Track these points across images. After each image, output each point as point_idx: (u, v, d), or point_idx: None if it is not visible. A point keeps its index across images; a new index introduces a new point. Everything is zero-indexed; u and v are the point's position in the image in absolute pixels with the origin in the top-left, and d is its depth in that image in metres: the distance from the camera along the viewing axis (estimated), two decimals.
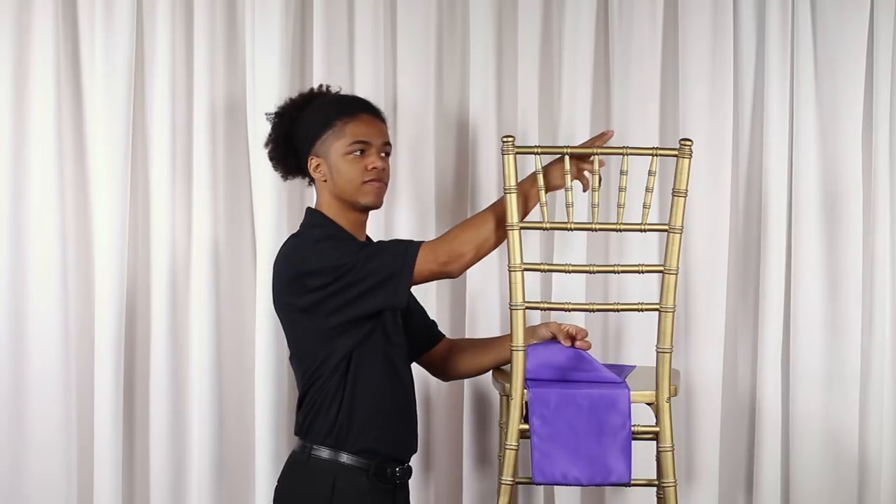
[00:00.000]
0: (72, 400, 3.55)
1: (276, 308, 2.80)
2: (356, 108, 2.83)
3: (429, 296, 3.50)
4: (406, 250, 2.66)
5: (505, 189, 2.67)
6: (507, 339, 2.95)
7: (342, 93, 2.98)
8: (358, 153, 2.77)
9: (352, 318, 2.67)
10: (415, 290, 3.46)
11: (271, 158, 2.93)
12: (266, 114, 2.98)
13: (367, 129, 2.80)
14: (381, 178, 2.80)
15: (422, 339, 3.02)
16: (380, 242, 2.74)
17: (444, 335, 3.10)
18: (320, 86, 3.00)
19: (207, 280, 3.50)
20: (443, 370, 3.07)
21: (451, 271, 2.68)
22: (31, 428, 3.52)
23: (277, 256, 2.78)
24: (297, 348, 2.75)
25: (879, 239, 3.48)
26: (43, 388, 3.52)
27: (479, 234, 2.68)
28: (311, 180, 2.88)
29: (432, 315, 3.49)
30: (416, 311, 3.02)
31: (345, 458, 2.67)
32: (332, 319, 2.66)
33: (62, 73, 3.52)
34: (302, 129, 2.83)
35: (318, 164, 2.80)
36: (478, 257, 2.71)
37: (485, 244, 2.69)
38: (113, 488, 3.48)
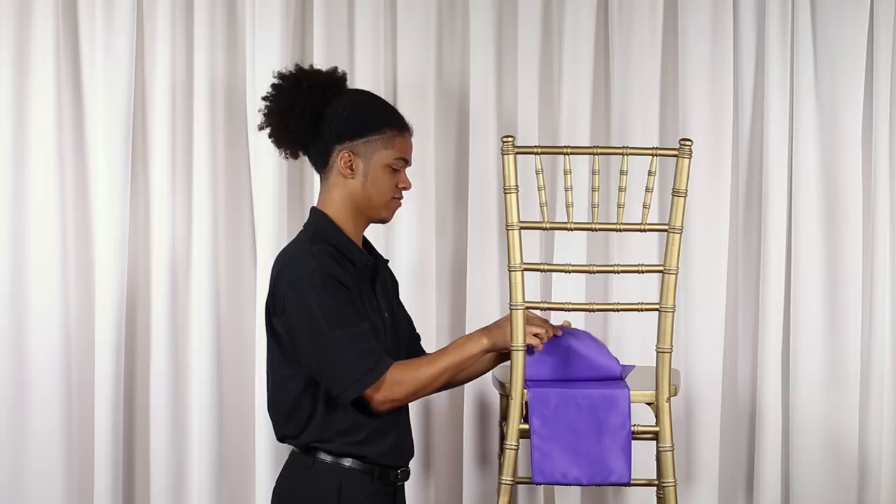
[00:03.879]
0: (72, 400, 3.55)
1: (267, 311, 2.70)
2: (404, 124, 2.74)
3: (429, 295, 3.51)
4: (378, 362, 2.58)
5: (505, 189, 2.67)
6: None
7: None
8: (395, 169, 2.70)
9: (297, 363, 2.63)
10: (414, 287, 3.48)
11: (288, 129, 2.69)
12: (285, 74, 2.73)
13: (409, 148, 2.74)
14: (402, 197, 2.75)
15: (409, 351, 2.91)
16: (362, 329, 2.60)
17: (424, 351, 2.98)
18: (344, 72, 2.80)
19: (207, 280, 3.50)
20: None
21: (375, 405, 2.61)
22: (32, 428, 3.53)
23: (278, 259, 2.68)
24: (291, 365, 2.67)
25: (879, 238, 3.48)
26: (43, 387, 3.52)
27: (424, 380, 2.62)
28: (322, 169, 2.72)
29: (432, 315, 3.50)
30: (404, 320, 2.91)
31: (349, 461, 2.64)
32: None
33: (62, 73, 3.52)
34: (342, 116, 2.67)
35: (349, 160, 2.66)
36: (409, 401, 2.67)
37: (423, 391, 2.64)
38: (113, 488, 3.49)
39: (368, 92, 2.85)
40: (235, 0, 3.55)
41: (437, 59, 3.55)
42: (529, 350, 2.69)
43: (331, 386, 2.58)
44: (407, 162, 2.72)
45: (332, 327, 2.55)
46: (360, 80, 3.48)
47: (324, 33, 3.48)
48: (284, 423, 2.67)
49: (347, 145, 2.67)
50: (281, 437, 2.71)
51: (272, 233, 3.46)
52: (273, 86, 2.73)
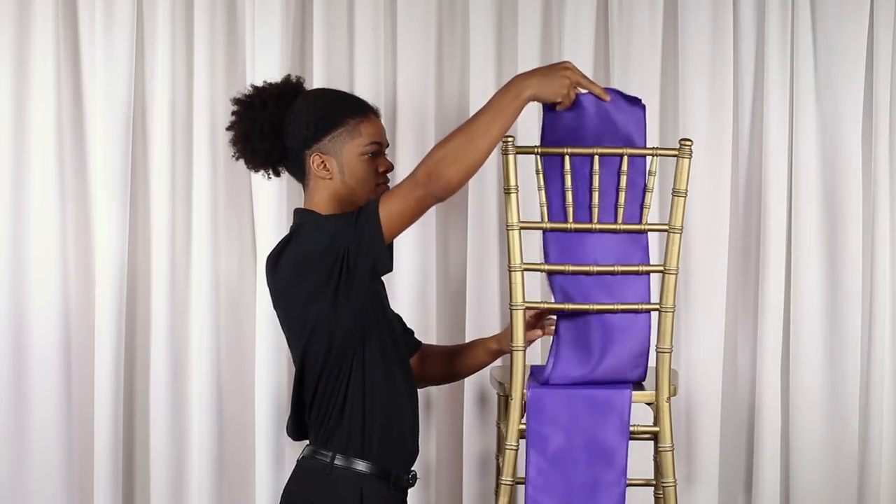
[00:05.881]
0: (72, 400, 3.55)
1: (281, 309, 2.66)
2: (366, 108, 2.70)
3: (429, 296, 3.51)
4: (369, 205, 2.51)
5: (505, 189, 2.67)
6: (479, 345, 2.94)
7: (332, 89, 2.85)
8: (371, 154, 2.66)
9: (354, 293, 2.53)
10: (414, 287, 3.48)
11: (254, 151, 2.68)
12: (239, 98, 2.72)
13: (379, 130, 2.70)
14: (388, 180, 2.71)
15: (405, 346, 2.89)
16: (361, 207, 2.55)
17: (420, 342, 2.99)
18: (298, 78, 2.78)
19: (208, 280, 3.51)
20: (418, 377, 2.94)
21: (437, 193, 2.47)
22: (32, 428, 3.53)
23: (269, 259, 2.65)
24: (305, 350, 2.62)
25: (879, 238, 3.48)
26: (43, 388, 3.52)
27: (463, 146, 2.45)
28: (302, 178, 2.70)
29: (432, 315, 3.50)
30: (396, 318, 2.89)
31: (365, 466, 2.59)
32: (338, 302, 2.53)
33: (62, 73, 3.52)
34: (301, 122, 2.64)
35: (322, 161, 2.64)
36: (469, 170, 2.47)
37: (470, 150, 2.45)
38: (113, 488, 3.49)
39: (322, 89, 2.81)
40: (235, 0, 3.55)
41: (437, 59, 3.55)
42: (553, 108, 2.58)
43: (368, 255, 2.49)
44: (381, 145, 2.68)
45: (342, 227, 2.51)
46: (360, 81, 3.48)
47: (324, 33, 3.48)
48: (326, 415, 2.61)
49: (315, 148, 2.64)
50: (303, 434, 2.67)
51: (272, 234, 3.45)
52: (232, 113, 2.72)
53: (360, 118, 2.67)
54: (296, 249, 2.58)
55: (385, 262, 2.53)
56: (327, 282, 2.54)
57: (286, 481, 2.70)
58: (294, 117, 2.66)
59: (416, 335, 2.99)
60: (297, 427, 2.71)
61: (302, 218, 2.67)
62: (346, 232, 2.51)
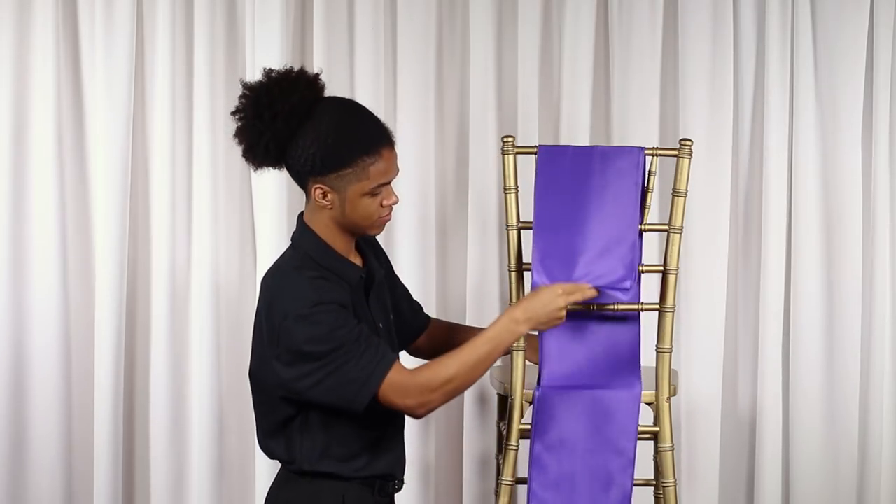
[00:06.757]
0: (72, 400, 3.55)
1: (253, 340, 2.62)
2: (380, 143, 2.49)
3: (429, 295, 3.51)
4: (378, 360, 2.45)
5: (505, 189, 2.67)
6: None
7: (351, 102, 2.60)
8: (377, 193, 2.51)
9: (305, 399, 2.49)
10: (414, 287, 3.48)
11: (256, 159, 2.52)
12: (251, 85, 2.51)
13: (389, 167, 2.51)
14: (391, 209, 2.57)
15: (411, 327, 2.84)
16: (359, 336, 2.47)
17: (430, 318, 2.91)
18: (317, 77, 2.54)
19: (208, 280, 3.51)
20: (426, 354, 2.89)
21: (414, 415, 2.50)
22: (32, 428, 3.53)
23: (263, 287, 2.55)
24: (271, 392, 2.59)
25: (879, 238, 3.48)
26: (44, 388, 3.52)
27: (458, 380, 2.47)
28: (302, 188, 2.55)
29: (432, 315, 3.49)
30: (402, 297, 2.82)
31: (349, 474, 2.55)
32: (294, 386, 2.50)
33: (62, 73, 3.52)
34: (308, 152, 2.45)
35: (325, 193, 2.47)
36: (452, 399, 2.51)
37: (461, 387, 2.50)
38: (113, 488, 3.49)
39: (337, 112, 2.51)
40: (235, 0, 3.55)
41: (437, 58, 3.55)
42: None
43: (343, 395, 2.45)
44: (388, 183, 2.52)
45: (334, 344, 2.44)
46: (360, 80, 3.48)
47: (324, 33, 3.48)
48: (303, 437, 2.56)
49: (320, 180, 2.48)
50: (297, 450, 2.59)
51: (272, 233, 3.46)
52: (240, 98, 2.53)
53: (372, 159, 2.47)
54: (279, 321, 2.48)
55: (359, 410, 2.47)
56: (296, 374, 2.48)
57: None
58: (301, 142, 2.47)
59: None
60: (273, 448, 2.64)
61: (303, 237, 2.56)
62: (344, 357, 2.44)
